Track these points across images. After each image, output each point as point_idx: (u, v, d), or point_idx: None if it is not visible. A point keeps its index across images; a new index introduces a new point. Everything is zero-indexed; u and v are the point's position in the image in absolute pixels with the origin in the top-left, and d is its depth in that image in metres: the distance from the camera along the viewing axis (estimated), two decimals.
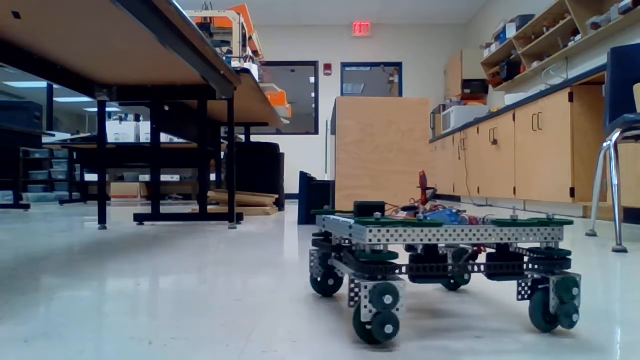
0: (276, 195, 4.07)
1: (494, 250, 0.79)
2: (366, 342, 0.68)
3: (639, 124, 1.80)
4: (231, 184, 2.72)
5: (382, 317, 0.65)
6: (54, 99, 7.73)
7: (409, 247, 0.91)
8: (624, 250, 1.67)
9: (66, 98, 10.86)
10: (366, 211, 0.79)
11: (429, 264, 0.73)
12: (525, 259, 0.78)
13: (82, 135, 6.15)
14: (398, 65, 8.09)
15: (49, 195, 7.07)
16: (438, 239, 0.71)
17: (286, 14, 7.56)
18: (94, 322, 0.81)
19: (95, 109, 2.81)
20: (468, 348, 0.68)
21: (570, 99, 3.35)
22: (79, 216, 3.64)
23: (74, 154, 6.28)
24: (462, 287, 1.07)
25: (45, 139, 5.31)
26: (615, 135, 1.87)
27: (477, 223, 0.78)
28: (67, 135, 6.25)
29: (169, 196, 7.19)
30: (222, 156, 4.71)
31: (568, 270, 0.74)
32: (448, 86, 7.62)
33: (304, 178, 2.89)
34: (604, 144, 2.02)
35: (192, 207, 4.60)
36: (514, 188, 4.28)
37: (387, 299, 0.65)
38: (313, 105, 8.19)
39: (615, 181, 1.80)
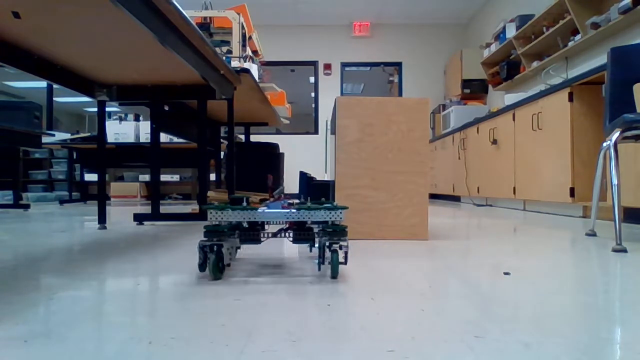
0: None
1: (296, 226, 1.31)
2: (216, 279, 1.16)
3: (639, 124, 1.80)
4: (231, 184, 2.71)
5: (216, 261, 1.14)
6: (54, 99, 7.73)
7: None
8: (624, 250, 1.67)
9: (66, 98, 10.87)
10: (233, 201, 1.30)
11: (249, 232, 1.30)
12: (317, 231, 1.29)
13: (82, 135, 6.15)
14: (398, 65, 8.09)
15: (49, 195, 7.06)
16: (254, 218, 1.19)
17: (286, 14, 7.56)
18: (94, 322, 0.81)
19: (95, 109, 2.81)
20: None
21: (570, 99, 3.35)
22: (79, 216, 3.64)
23: (74, 154, 6.28)
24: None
25: (45, 139, 5.31)
26: (615, 135, 1.87)
27: (287, 208, 1.22)
28: (67, 135, 6.25)
29: (169, 196, 7.19)
30: (222, 156, 4.71)
31: (345, 239, 1.19)
32: (448, 86, 7.62)
33: (304, 178, 2.88)
34: (604, 144, 2.02)
35: (192, 207, 4.60)
36: (514, 188, 4.28)
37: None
38: (313, 105, 8.18)
39: (615, 181, 1.80)
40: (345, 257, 1.18)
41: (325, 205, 1.26)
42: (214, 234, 1.16)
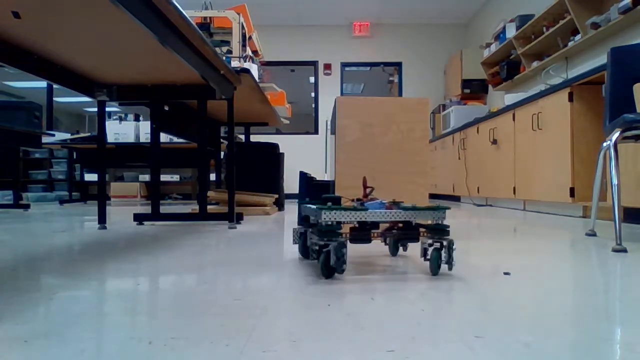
0: (276, 195, 4.07)
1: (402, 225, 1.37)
2: (326, 278, 1.19)
3: (639, 124, 1.80)
4: (231, 184, 2.72)
5: (341, 260, 1.15)
6: (54, 99, 7.73)
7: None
8: (624, 250, 1.67)
9: (66, 98, 10.87)
10: (332, 201, 1.33)
11: (360, 232, 1.30)
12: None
13: (82, 135, 6.15)
14: (398, 65, 8.09)
15: (49, 195, 7.06)
16: (365, 218, 1.23)
17: (286, 14, 7.56)
18: (94, 322, 0.81)
19: (95, 109, 2.81)
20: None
21: (570, 99, 3.35)
22: (79, 216, 3.64)
23: (74, 154, 6.28)
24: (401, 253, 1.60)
25: (45, 139, 5.30)
26: (615, 135, 1.87)
27: (392, 209, 1.27)
28: (67, 135, 6.25)
29: (169, 196, 7.19)
30: (222, 156, 4.71)
31: (448, 237, 1.24)
32: (448, 86, 7.62)
33: (304, 178, 2.88)
34: (604, 144, 2.02)
35: (192, 207, 4.60)
36: (514, 188, 4.28)
37: (344, 251, 1.15)
38: (313, 105, 8.18)
39: (615, 181, 1.80)
40: (450, 256, 1.21)
41: (430, 205, 1.31)
42: (329, 234, 1.18)
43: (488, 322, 0.80)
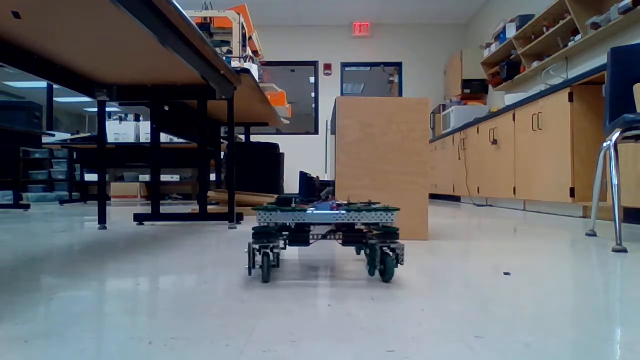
0: (276, 195, 4.06)
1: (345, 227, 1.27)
2: (265, 282, 1.13)
3: (639, 124, 1.80)
4: (231, 184, 2.72)
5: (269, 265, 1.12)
6: (54, 99, 7.73)
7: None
8: (624, 250, 1.67)
9: (66, 98, 10.87)
10: (281, 202, 1.24)
11: (297, 234, 1.22)
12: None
13: (82, 135, 6.15)
14: (398, 65, 8.09)
15: (49, 195, 7.07)
16: (303, 219, 1.16)
17: (286, 14, 7.56)
18: (94, 322, 0.81)
19: (95, 109, 2.81)
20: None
21: (570, 99, 3.35)
22: (79, 216, 3.64)
23: (74, 154, 6.28)
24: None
25: (45, 139, 5.30)
26: (615, 135, 1.87)
27: (337, 210, 1.18)
28: (67, 135, 6.25)
29: (169, 196, 7.19)
30: (222, 156, 4.71)
31: (398, 241, 1.15)
32: (448, 86, 7.62)
33: (304, 178, 2.88)
34: (604, 144, 2.02)
35: (192, 207, 4.60)
36: (514, 188, 4.28)
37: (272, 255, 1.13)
38: (313, 105, 8.18)
39: (615, 181, 1.80)
40: (399, 259, 1.13)
41: (376, 206, 1.21)
42: (263, 235, 1.14)
43: (488, 322, 0.80)
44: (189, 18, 1.72)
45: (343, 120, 2.03)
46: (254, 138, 5.39)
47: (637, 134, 1.90)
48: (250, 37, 3.97)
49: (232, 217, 2.68)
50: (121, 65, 2.24)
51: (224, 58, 2.55)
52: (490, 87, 6.54)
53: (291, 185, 7.21)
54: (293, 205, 1.22)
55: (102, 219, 2.60)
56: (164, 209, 4.41)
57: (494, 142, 4.73)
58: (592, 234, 2.19)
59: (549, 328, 0.77)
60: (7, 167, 4.93)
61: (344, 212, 1.17)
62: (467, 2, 7.10)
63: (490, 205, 5.12)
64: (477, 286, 1.09)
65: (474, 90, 6.91)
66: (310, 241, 1.24)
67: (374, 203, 1.31)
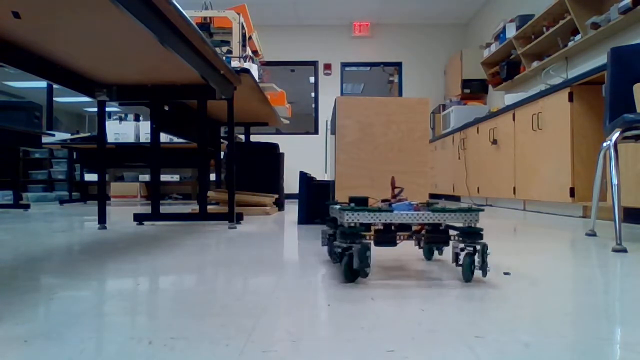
0: (276, 195, 4.07)
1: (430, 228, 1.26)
2: (349, 282, 1.14)
3: (639, 124, 1.80)
4: (231, 184, 2.72)
5: (364, 263, 1.09)
6: (54, 99, 7.73)
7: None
8: (624, 250, 1.67)
9: (66, 98, 10.87)
10: (357, 202, 1.28)
11: (385, 235, 1.20)
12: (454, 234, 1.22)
13: (82, 135, 6.15)
14: (398, 65, 8.09)
15: (49, 195, 7.07)
16: (391, 220, 1.17)
17: (286, 14, 7.56)
18: (94, 322, 0.81)
19: (95, 109, 2.81)
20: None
21: (570, 99, 3.35)
22: (79, 216, 3.64)
23: (74, 154, 6.28)
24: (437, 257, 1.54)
25: (45, 139, 5.31)
26: (615, 135, 1.87)
27: (420, 210, 1.18)
28: (67, 135, 6.25)
29: (169, 196, 7.19)
30: (222, 156, 4.71)
31: (482, 241, 1.14)
32: (448, 86, 7.62)
33: (304, 178, 2.88)
34: (604, 144, 2.02)
35: (192, 207, 4.60)
36: (514, 188, 4.28)
37: (367, 254, 1.09)
38: (313, 105, 8.18)
39: (615, 181, 1.80)
40: (483, 261, 1.11)
41: (461, 207, 1.22)
42: (351, 236, 1.13)
43: (488, 322, 0.80)
44: (189, 18, 1.72)
45: (343, 120, 2.03)
46: (254, 138, 5.39)
47: (637, 134, 1.90)
48: (250, 37, 3.97)
49: (232, 217, 2.68)
50: (121, 65, 2.24)
51: (224, 58, 2.55)
52: (490, 87, 6.54)
53: (291, 185, 7.21)
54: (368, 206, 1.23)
55: (102, 219, 2.60)
56: (164, 209, 4.41)
57: (494, 142, 4.73)
58: (592, 234, 2.19)
59: (549, 328, 0.77)
60: (7, 167, 4.93)
61: (430, 212, 1.17)
62: (467, 2, 7.10)
63: (490, 205, 5.12)
64: (477, 286, 1.09)
65: (474, 90, 6.91)
66: (397, 241, 1.23)
67: (433, 203, 1.32)
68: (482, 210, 1.20)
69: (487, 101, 6.98)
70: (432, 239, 1.25)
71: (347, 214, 1.14)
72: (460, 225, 1.18)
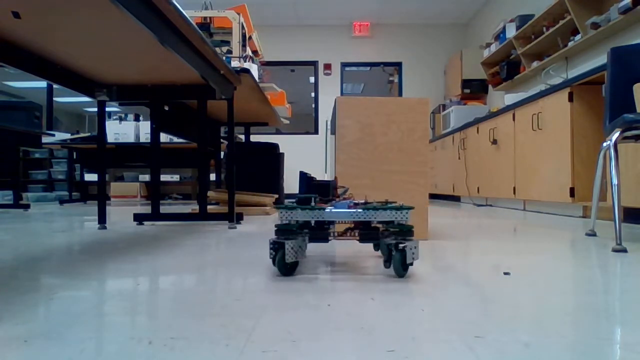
0: (276, 195, 4.07)
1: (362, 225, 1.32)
2: (284, 275, 1.21)
3: (639, 124, 1.80)
4: (231, 184, 2.72)
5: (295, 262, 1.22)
6: (54, 99, 7.73)
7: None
8: (624, 250, 1.67)
9: (66, 98, 10.87)
10: (301, 202, 1.32)
11: (317, 231, 1.30)
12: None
13: (82, 135, 6.15)
14: (398, 65, 8.09)
15: (49, 195, 7.06)
16: (322, 218, 1.25)
17: (286, 14, 7.56)
18: (94, 322, 0.81)
19: (95, 109, 2.81)
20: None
21: (570, 99, 3.35)
22: (79, 216, 3.64)
23: (74, 154, 6.28)
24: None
25: (45, 139, 5.31)
26: (615, 135, 1.87)
27: (354, 209, 1.26)
28: (67, 135, 6.25)
29: (169, 196, 7.19)
30: (222, 156, 4.71)
31: (412, 238, 1.21)
32: (448, 86, 7.62)
33: (304, 178, 2.88)
34: (604, 144, 2.02)
35: (192, 207, 4.60)
36: (514, 188, 4.28)
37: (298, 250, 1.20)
38: (313, 105, 8.18)
39: (615, 181, 1.80)
40: (414, 256, 1.18)
41: (391, 205, 1.28)
42: (284, 232, 1.23)
43: (488, 322, 0.80)
44: (189, 18, 1.72)
45: (343, 120, 2.03)
46: (254, 138, 5.39)
47: (637, 134, 1.90)
48: (250, 37, 3.97)
49: (232, 217, 2.68)
50: (121, 65, 2.24)
51: (224, 58, 2.55)
52: (490, 87, 6.54)
53: (291, 185, 7.22)
54: (312, 204, 1.30)
55: (102, 219, 2.60)
56: (164, 209, 4.41)
57: (494, 142, 4.73)
58: (592, 234, 2.19)
59: (549, 328, 0.77)
60: (7, 167, 4.93)
61: (360, 210, 1.24)
62: (467, 2, 7.10)
63: (490, 205, 5.12)
64: (477, 286, 1.09)
65: (474, 90, 6.91)
66: (329, 238, 1.30)
67: (391, 202, 1.37)
68: (412, 208, 1.27)
69: (487, 101, 6.98)
70: (363, 235, 1.30)
71: (282, 212, 1.24)
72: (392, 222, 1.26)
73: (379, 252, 1.63)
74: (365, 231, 1.31)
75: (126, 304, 0.93)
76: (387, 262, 1.28)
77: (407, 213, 1.24)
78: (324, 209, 1.25)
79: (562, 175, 3.45)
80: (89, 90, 2.54)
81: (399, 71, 8.12)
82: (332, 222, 1.33)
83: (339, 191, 1.48)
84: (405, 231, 1.23)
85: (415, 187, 2.02)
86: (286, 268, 1.21)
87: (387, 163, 2.02)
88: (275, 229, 1.24)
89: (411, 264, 1.19)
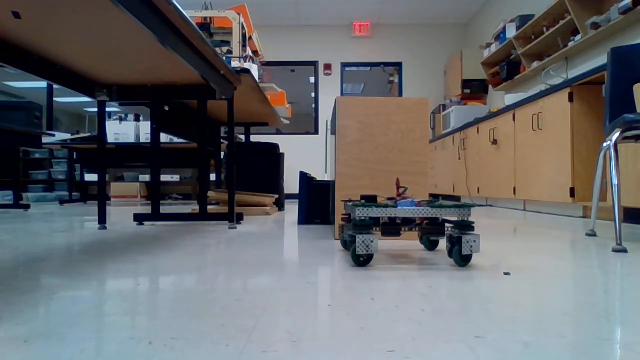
0: (276, 195, 4.07)
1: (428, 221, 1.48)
2: (358, 265, 1.36)
3: (639, 124, 1.80)
4: (231, 184, 2.72)
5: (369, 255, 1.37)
6: (54, 99, 7.73)
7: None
8: (624, 250, 1.67)
9: (66, 98, 10.87)
10: (367, 199, 1.50)
11: (390, 227, 1.42)
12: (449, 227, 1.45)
13: (82, 135, 6.15)
14: (398, 65, 8.09)
15: (49, 195, 7.06)
16: (395, 214, 1.38)
17: (286, 14, 7.56)
18: (94, 322, 0.81)
19: (95, 109, 2.81)
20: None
21: (570, 99, 3.35)
22: (79, 216, 3.64)
23: (74, 154, 6.28)
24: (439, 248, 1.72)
25: (45, 139, 5.31)
26: (615, 135, 1.87)
27: (420, 206, 1.40)
28: (67, 135, 6.25)
29: (169, 196, 7.19)
30: (222, 156, 4.71)
31: (473, 232, 1.36)
32: (448, 86, 7.62)
33: (304, 178, 2.88)
34: (604, 144, 2.02)
35: (192, 207, 4.60)
36: (514, 188, 4.28)
37: (370, 243, 1.33)
38: (313, 105, 8.18)
39: (615, 181, 1.80)
40: (473, 248, 1.33)
41: (455, 203, 1.43)
42: (364, 227, 1.35)
43: (488, 322, 0.80)
44: (189, 18, 1.72)
45: (343, 120, 2.03)
46: (254, 138, 5.39)
47: (637, 134, 1.90)
48: (250, 37, 3.97)
49: (232, 217, 2.68)
50: (121, 65, 2.24)
51: (224, 58, 2.55)
52: (490, 87, 6.54)
53: (291, 185, 7.21)
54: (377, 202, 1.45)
55: (102, 219, 2.60)
56: (164, 209, 4.41)
57: (494, 142, 4.73)
58: (592, 234, 2.19)
59: (549, 328, 0.77)
60: (7, 167, 4.93)
61: (428, 207, 1.38)
62: (467, 2, 7.10)
63: (490, 205, 5.12)
64: (477, 286, 1.09)
65: (474, 90, 6.91)
66: (400, 232, 1.44)
67: (434, 200, 1.52)
68: (474, 206, 1.49)
69: (487, 101, 6.98)
70: (430, 230, 1.46)
71: (359, 209, 1.35)
72: (455, 219, 1.39)
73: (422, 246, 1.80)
74: (432, 226, 1.46)
75: (126, 304, 0.93)
76: (450, 253, 1.41)
77: (468, 210, 1.37)
78: (396, 206, 1.37)
79: (562, 175, 3.45)
80: (89, 90, 2.54)
81: (399, 71, 8.12)
82: (405, 219, 1.45)
83: (400, 190, 1.59)
84: (467, 226, 1.36)
85: (415, 187, 2.02)
86: (361, 260, 1.36)
87: (387, 163, 2.02)
88: (353, 224, 1.35)
89: (470, 255, 1.35)
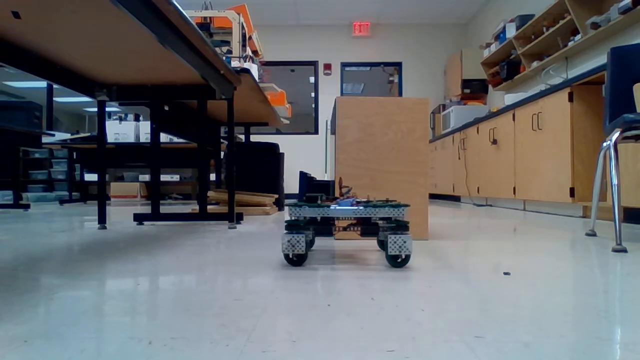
0: (276, 195, 4.07)
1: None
2: (293, 265, 1.36)
3: (639, 124, 1.80)
4: (231, 184, 2.72)
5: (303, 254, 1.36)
6: (54, 99, 7.74)
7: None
8: (624, 250, 1.67)
9: (66, 98, 10.87)
10: (309, 200, 1.48)
11: (323, 227, 1.42)
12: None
13: (82, 135, 6.15)
14: (398, 65, 8.09)
15: (49, 195, 7.06)
16: (327, 214, 1.39)
17: (286, 14, 7.56)
18: (94, 322, 0.81)
19: (95, 109, 2.81)
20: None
21: (570, 99, 3.35)
22: (79, 216, 3.64)
23: (74, 154, 6.28)
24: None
25: (45, 139, 5.31)
26: (615, 135, 1.87)
27: (357, 206, 1.40)
28: (67, 135, 6.25)
29: (169, 196, 7.19)
30: (222, 156, 4.71)
31: (407, 233, 1.33)
32: (448, 86, 7.62)
33: (304, 178, 2.88)
34: (604, 144, 2.02)
35: (192, 207, 4.60)
36: (514, 188, 4.28)
37: (296, 243, 1.34)
38: (313, 105, 8.18)
39: (615, 181, 1.80)
40: (396, 249, 1.31)
41: (389, 203, 1.42)
42: (293, 227, 1.36)
43: (488, 322, 0.80)
44: (189, 18, 1.72)
45: (343, 120, 2.03)
46: (254, 138, 5.39)
47: (637, 134, 1.90)
48: (250, 37, 3.97)
49: (232, 217, 2.68)
50: (121, 65, 2.24)
51: (224, 58, 2.55)
52: (490, 87, 6.54)
53: (291, 185, 7.22)
54: (319, 202, 1.45)
55: (102, 219, 2.60)
56: (164, 209, 4.41)
57: (494, 142, 4.73)
58: (592, 234, 2.19)
59: (549, 328, 0.77)
60: (7, 167, 4.93)
61: (362, 207, 1.38)
62: (467, 2, 7.10)
63: (490, 205, 5.12)
64: (477, 286, 1.09)
65: (474, 90, 6.91)
66: (333, 233, 1.45)
67: (391, 201, 1.50)
68: (408, 205, 1.41)
69: (487, 101, 6.98)
70: (364, 230, 1.44)
71: (292, 209, 1.38)
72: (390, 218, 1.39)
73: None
74: (366, 226, 1.44)
75: (126, 304, 0.93)
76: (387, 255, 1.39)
77: (403, 210, 1.36)
78: (329, 206, 1.38)
79: (562, 175, 3.45)
80: (89, 90, 2.54)
81: (399, 71, 8.12)
82: (337, 219, 1.44)
83: (343, 190, 1.59)
84: (401, 226, 1.35)
85: (415, 187, 2.02)
86: (293, 260, 1.35)
87: (387, 163, 2.02)
88: (285, 224, 1.36)
89: (407, 257, 1.32)
